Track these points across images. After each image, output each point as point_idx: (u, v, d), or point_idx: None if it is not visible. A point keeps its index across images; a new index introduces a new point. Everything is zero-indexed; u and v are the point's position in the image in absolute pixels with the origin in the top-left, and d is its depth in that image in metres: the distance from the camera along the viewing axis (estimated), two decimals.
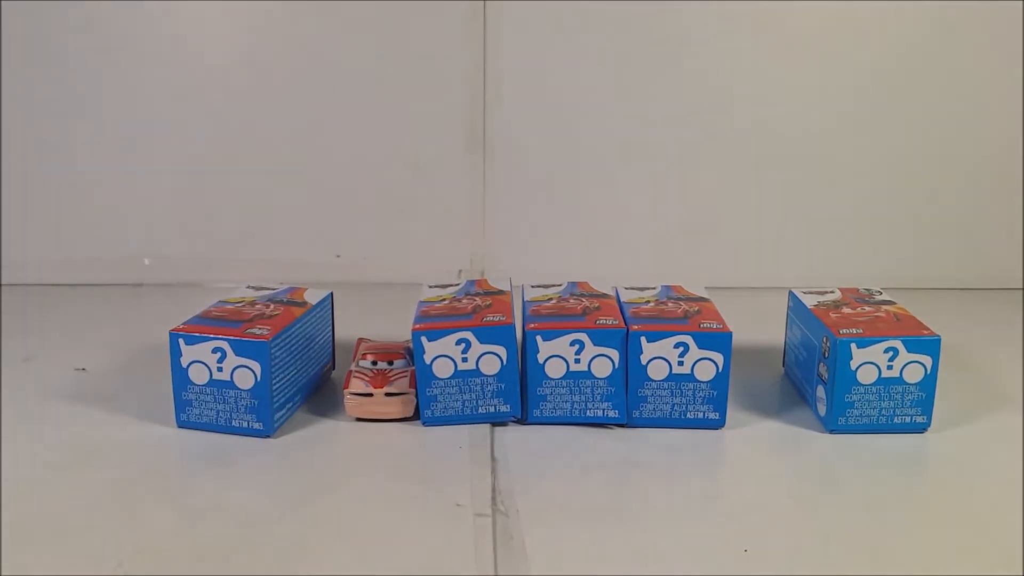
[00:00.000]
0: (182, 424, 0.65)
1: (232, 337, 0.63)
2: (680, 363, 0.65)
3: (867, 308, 0.69)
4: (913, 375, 0.64)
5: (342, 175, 1.01)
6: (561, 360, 0.65)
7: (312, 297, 0.72)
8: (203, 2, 0.97)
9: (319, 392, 0.72)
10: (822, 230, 1.02)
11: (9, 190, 0.99)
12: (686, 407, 0.65)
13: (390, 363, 0.68)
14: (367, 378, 0.66)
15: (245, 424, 0.64)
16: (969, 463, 0.62)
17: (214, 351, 0.63)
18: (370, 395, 0.65)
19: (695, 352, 0.64)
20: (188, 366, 0.63)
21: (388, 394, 0.65)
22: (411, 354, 0.67)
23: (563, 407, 0.66)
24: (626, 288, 0.74)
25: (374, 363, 0.68)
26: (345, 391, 0.66)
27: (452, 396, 0.65)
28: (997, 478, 0.60)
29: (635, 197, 1.01)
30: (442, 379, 0.65)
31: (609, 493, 0.58)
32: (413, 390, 0.65)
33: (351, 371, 0.67)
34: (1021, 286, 1.03)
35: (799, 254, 1.02)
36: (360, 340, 0.75)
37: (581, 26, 0.97)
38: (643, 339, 0.64)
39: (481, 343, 0.64)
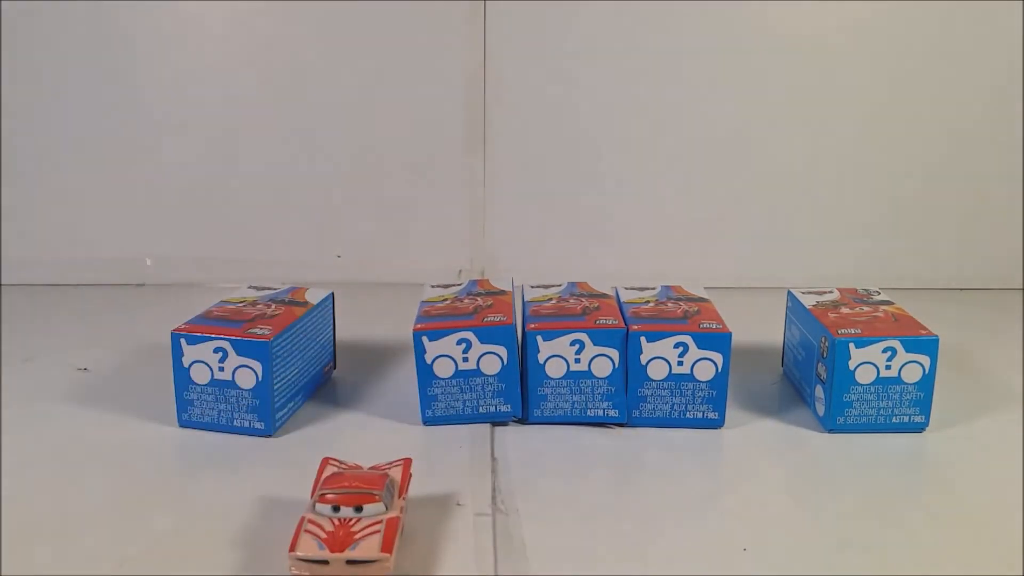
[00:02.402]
0: (184, 424, 0.65)
1: (233, 337, 0.63)
2: (680, 363, 0.65)
3: (865, 308, 0.69)
4: (911, 375, 0.64)
5: (342, 175, 1.01)
6: (561, 360, 0.65)
7: (313, 297, 0.72)
8: (203, 2, 0.97)
9: (320, 392, 0.72)
10: (821, 230, 1.02)
11: (9, 190, 0.99)
12: (686, 407, 0.66)
13: (358, 509, 0.48)
14: (323, 535, 0.47)
15: (246, 424, 0.64)
16: (968, 463, 0.62)
17: (216, 351, 0.63)
18: (324, 563, 0.46)
19: (695, 352, 0.64)
20: (190, 366, 0.63)
21: (351, 562, 0.46)
22: (393, 485, 0.51)
23: (563, 407, 0.66)
24: (626, 288, 0.74)
25: (336, 509, 0.48)
26: (291, 554, 0.46)
27: (453, 396, 0.65)
28: (996, 478, 0.60)
29: (635, 197, 1.01)
30: (443, 379, 0.65)
31: (609, 493, 0.58)
32: (389, 554, 0.46)
33: (303, 518, 0.48)
34: (1021, 286, 1.03)
35: (798, 254, 1.02)
36: (326, 461, 0.55)
37: (581, 26, 0.97)
38: (643, 339, 0.65)
39: (482, 343, 0.64)
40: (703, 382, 0.65)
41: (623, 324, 0.65)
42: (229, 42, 0.98)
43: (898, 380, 0.64)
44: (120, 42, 0.97)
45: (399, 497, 0.51)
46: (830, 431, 0.66)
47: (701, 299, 0.71)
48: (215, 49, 0.98)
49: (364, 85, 0.98)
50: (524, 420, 0.67)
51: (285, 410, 0.66)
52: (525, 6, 0.97)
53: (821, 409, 0.66)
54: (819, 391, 0.67)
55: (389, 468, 0.53)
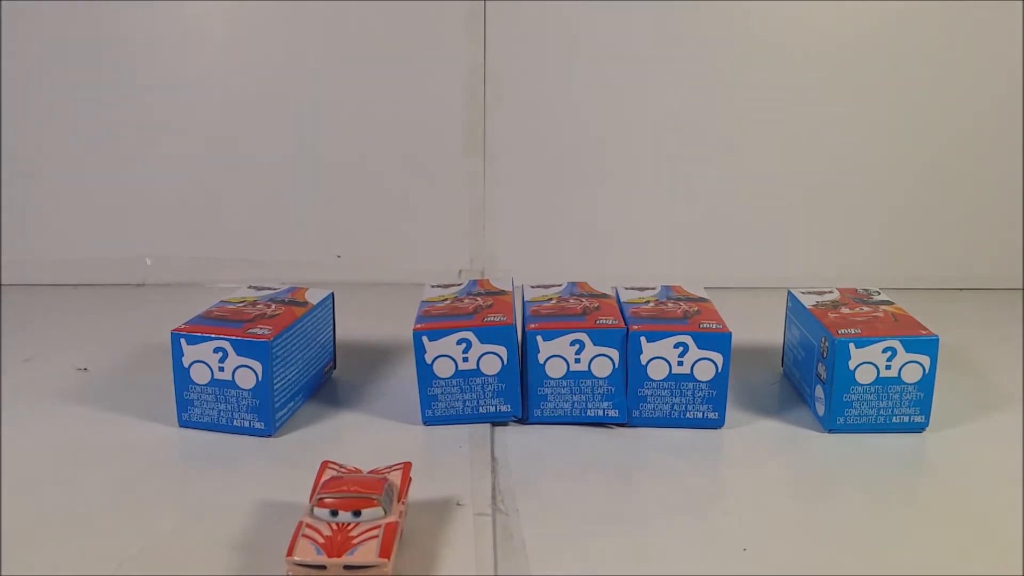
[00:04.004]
0: (184, 424, 0.65)
1: (233, 337, 0.63)
2: (680, 363, 0.65)
3: (865, 308, 0.69)
4: (911, 375, 0.64)
5: (342, 175, 1.01)
6: (561, 360, 0.65)
7: (313, 297, 0.72)
8: (203, 2, 0.97)
9: (320, 392, 0.72)
10: (821, 230, 1.02)
11: (9, 190, 0.99)
12: (686, 407, 0.66)
13: (356, 514, 0.48)
14: (321, 540, 0.47)
15: (246, 424, 0.64)
16: (968, 463, 0.62)
17: (215, 351, 0.63)
18: (322, 568, 0.46)
19: (695, 352, 0.64)
20: (190, 366, 0.63)
21: (349, 567, 0.45)
22: (392, 489, 0.51)
23: (563, 407, 0.66)
24: (626, 288, 0.74)
25: (334, 513, 0.48)
26: (288, 559, 0.46)
27: (453, 396, 0.65)
28: (996, 478, 0.60)
29: (635, 197, 1.01)
30: (443, 379, 0.65)
31: (609, 493, 0.58)
32: (387, 559, 0.46)
33: (301, 523, 0.48)
34: (1021, 286, 1.03)
35: (798, 254, 1.02)
36: (325, 464, 0.55)
37: (581, 26, 0.97)
38: (643, 339, 0.65)
39: (482, 343, 0.64)
40: (703, 382, 0.65)
41: (623, 324, 0.65)
42: (229, 42, 0.98)
43: (898, 380, 0.64)
44: (120, 42, 0.97)
45: (398, 501, 0.50)
46: (830, 431, 0.66)
47: (701, 299, 0.71)
48: (215, 49, 0.98)
49: (364, 85, 0.98)
50: (524, 420, 0.67)
51: (285, 410, 0.66)
52: (525, 6, 0.97)
53: (821, 409, 0.66)
54: (819, 391, 0.67)
55: (388, 472, 0.53)
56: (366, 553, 0.46)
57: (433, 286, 0.74)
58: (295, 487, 0.56)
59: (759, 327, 0.82)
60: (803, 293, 0.73)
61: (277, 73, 0.99)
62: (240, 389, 0.63)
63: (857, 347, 0.64)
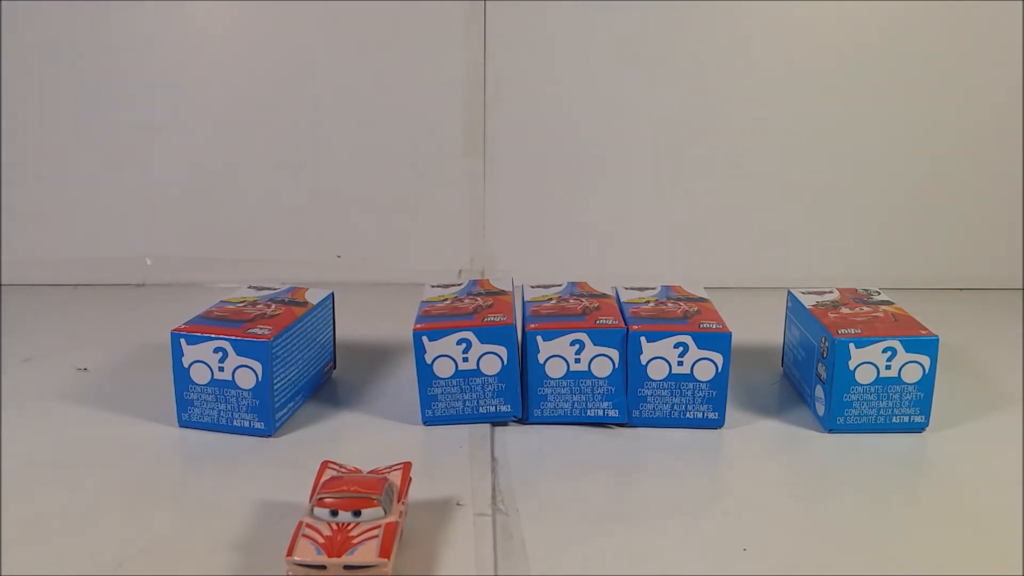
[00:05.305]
0: (183, 424, 0.65)
1: (233, 337, 0.63)
2: (680, 363, 0.65)
3: (865, 308, 0.69)
4: (911, 375, 0.64)
5: (342, 175, 1.01)
6: (561, 360, 0.65)
7: (313, 297, 0.72)
8: (203, 2, 0.97)
9: (320, 392, 0.72)
10: (821, 230, 1.02)
11: (9, 190, 0.99)
12: (686, 407, 0.66)
13: (356, 514, 0.48)
14: (321, 540, 0.47)
15: (246, 424, 0.64)
16: (968, 463, 0.62)
17: (215, 351, 0.63)
18: (322, 568, 0.46)
19: (695, 352, 0.64)
20: (190, 366, 0.64)
21: (349, 567, 0.45)
22: (392, 489, 0.51)
23: (563, 407, 0.66)
24: (626, 288, 0.74)
25: (334, 513, 0.48)
26: (288, 559, 0.46)
27: (453, 396, 0.65)
28: (996, 478, 0.60)
29: (635, 197, 1.01)
30: (443, 379, 0.65)
31: (609, 493, 0.58)
32: (387, 559, 0.46)
33: (301, 523, 0.48)
34: (1021, 286, 1.03)
35: (798, 254, 1.02)
36: (325, 464, 0.55)
37: (581, 26, 0.97)
38: (643, 339, 0.65)
39: (482, 343, 0.64)
40: (703, 382, 0.65)
41: (623, 324, 0.65)
42: (229, 42, 0.98)
43: (898, 380, 0.64)
44: (120, 42, 0.97)
45: (398, 501, 0.51)
46: (830, 431, 0.66)
47: (701, 299, 0.71)
48: (215, 49, 0.98)
49: (364, 85, 0.98)
50: (524, 420, 0.67)
51: (285, 410, 0.66)
52: (525, 6, 0.97)
53: (821, 409, 0.66)
54: (819, 391, 0.67)
55: (388, 472, 0.53)
56: (366, 553, 0.46)
57: (433, 286, 0.74)
58: (295, 487, 0.56)
59: (759, 327, 0.82)
60: (803, 293, 0.74)
61: (277, 73, 0.99)
62: (240, 389, 0.63)
63: (857, 347, 0.64)
